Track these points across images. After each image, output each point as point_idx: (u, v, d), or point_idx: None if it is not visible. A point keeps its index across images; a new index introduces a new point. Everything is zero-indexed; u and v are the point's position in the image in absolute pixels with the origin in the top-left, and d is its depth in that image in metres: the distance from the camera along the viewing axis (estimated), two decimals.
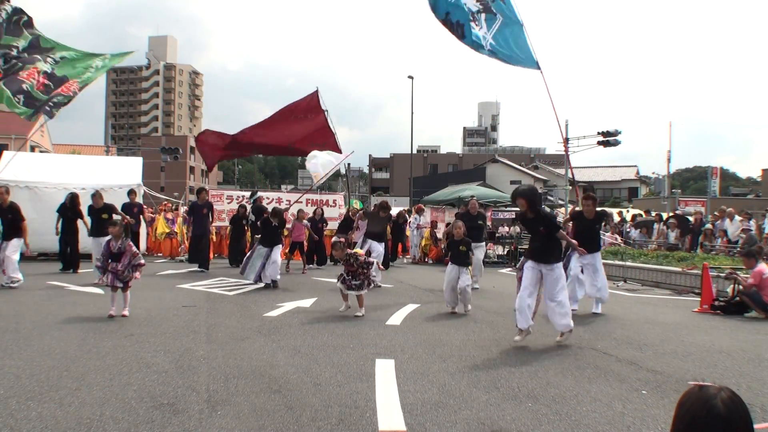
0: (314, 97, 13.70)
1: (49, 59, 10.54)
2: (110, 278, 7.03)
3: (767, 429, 3.67)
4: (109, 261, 7.05)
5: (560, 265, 6.05)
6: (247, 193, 17.19)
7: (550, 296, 5.93)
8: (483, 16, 9.74)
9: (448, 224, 9.68)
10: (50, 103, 10.23)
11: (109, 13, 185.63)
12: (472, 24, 9.66)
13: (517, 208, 6.62)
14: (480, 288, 10.49)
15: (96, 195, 11.15)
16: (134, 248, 7.28)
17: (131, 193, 13.44)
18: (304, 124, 13.80)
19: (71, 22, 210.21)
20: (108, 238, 7.34)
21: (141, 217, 13.84)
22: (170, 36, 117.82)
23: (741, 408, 1.53)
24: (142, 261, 7.34)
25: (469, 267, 7.99)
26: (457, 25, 9.65)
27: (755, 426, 1.59)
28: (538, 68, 9.68)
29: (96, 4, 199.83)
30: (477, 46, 9.68)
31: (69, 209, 11.75)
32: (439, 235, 16.63)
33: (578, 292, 8.07)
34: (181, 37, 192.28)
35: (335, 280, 7.92)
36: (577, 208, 8.29)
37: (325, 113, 13.80)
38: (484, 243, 11.03)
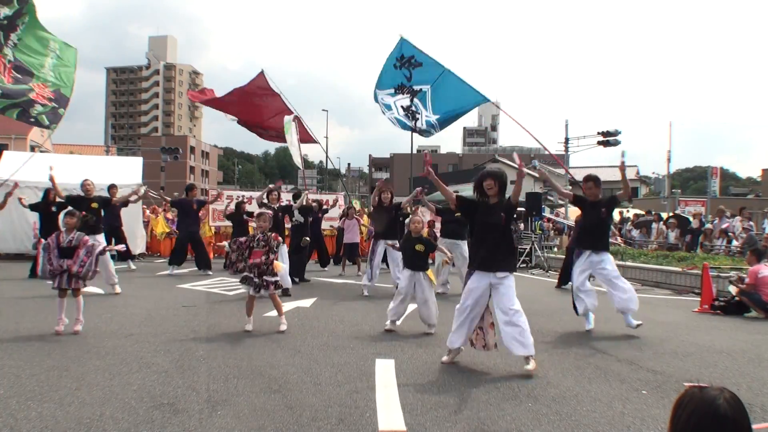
0: (261, 78, 14.06)
1: (10, 41, 9.46)
2: (57, 280, 5.95)
3: (767, 429, 3.67)
4: (57, 258, 5.93)
5: (512, 275, 5.02)
6: (248, 193, 17.13)
7: (504, 311, 4.88)
8: (417, 103, 10.50)
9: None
10: (32, 116, 9.44)
11: (109, 12, 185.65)
12: (417, 114, 10.48)
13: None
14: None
15: (86, 182, 10.13)
16: (89, 240, 6.23)
17: (112, 187, 11.90)
18: (265, 105, 14.34)
19: (71, 22, 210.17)
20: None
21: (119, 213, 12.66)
22: (170, 36, 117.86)
23: (742, 408, 1.55)
24: (101, 248, 6.39)
25: (429, 271, 6.65)
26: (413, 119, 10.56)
27: (755, 426, 1.60)
28: (488, 100, 10.04)
29: (96, 3, 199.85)
30: (429, 127, 10.37)
31: (50, 203, 11.15)
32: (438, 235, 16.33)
33: (582, 305, 6.80)
34: (181, 37, 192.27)
35: (246, 286, 6.37)
36: (579, 193, 7.08)
37: (281, 95, 14.27)
38: (465, 240, 9.89)
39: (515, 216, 5.18)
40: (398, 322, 6.61)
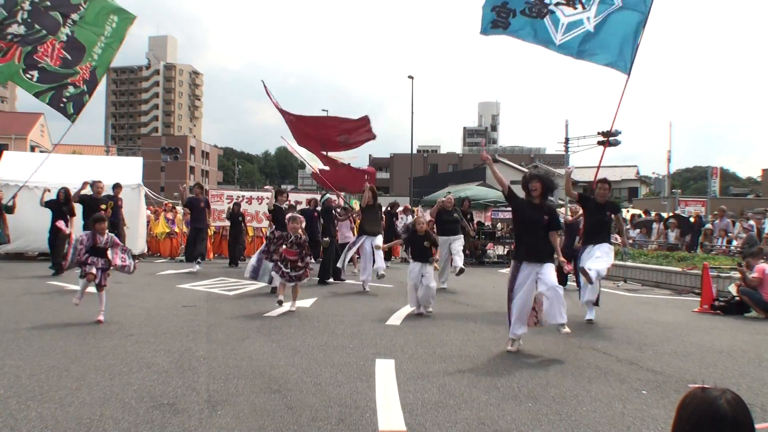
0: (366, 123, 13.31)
1: (69, 20, 9.48)
2: (88, 269, 6.66)
3: (767, 429, 3.67)
4: (91, 255, 6.70)
5: (553, 265, 5.67)
6: (248, 194, 17.22)
7: (547, 288, 5.48)
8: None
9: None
10: (63, 100, 9.49)
11: None
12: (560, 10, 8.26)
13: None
14: (480, 288, 10.49)
15: (97, 183, 10.37)
16: (118, 240, 7.13)
17: (116, 187, 12.46)
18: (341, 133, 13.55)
19: None
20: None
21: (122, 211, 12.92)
22: (170, 36, 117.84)
23: (745, 408, 1.54)
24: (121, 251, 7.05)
25: (434, 263, 7.72)
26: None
27: (757, 426, 1.60)
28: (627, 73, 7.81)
29: None
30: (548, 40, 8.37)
31: (63, 203, 11.37)
32: None
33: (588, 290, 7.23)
34: (181, 37, 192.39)
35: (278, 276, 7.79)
36: (588, 195, 7.53)
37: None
38: (461, 236, 10.64)
39: (554, 218, 5.76)
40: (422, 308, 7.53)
